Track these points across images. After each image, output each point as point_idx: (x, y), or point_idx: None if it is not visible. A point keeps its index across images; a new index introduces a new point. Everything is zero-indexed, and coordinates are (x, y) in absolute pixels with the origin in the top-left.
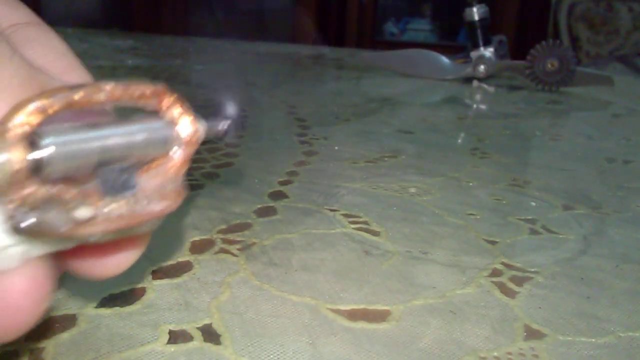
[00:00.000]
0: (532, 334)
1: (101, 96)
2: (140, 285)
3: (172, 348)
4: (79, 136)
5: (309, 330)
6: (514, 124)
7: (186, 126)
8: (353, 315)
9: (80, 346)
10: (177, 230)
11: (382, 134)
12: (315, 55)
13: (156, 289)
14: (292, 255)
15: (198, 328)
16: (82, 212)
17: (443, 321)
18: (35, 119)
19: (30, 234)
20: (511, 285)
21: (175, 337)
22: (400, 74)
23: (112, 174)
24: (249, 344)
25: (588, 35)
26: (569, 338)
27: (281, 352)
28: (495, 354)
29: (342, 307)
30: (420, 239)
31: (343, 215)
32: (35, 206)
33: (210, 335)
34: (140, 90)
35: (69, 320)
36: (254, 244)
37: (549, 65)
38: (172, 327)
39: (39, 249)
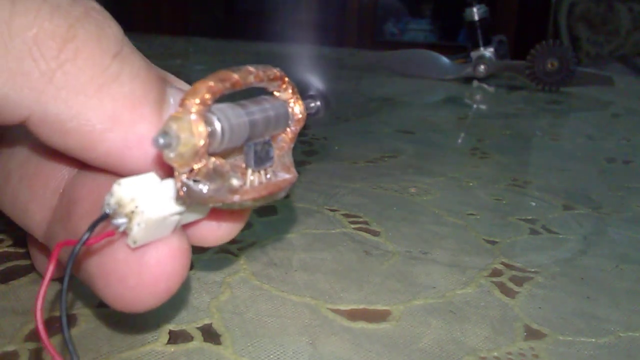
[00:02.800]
0: (532, 334)
1: (251, 78)
2: None
3: (172, 348)
4: (237, 113)
5: (309, 330)
6: (514, 124)
7: (298, 106)
8: (353, 315)
9: (80, 346)
10: None
11: (382, 134)
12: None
13: None
14: (292, 255)
15: (198, 328)
16: (236, 182)
17: (443, 321)
18: (210, 99)
19: (198, 201)
20: (511, 285)
21: (175, 337)
22: (400, 74)
23: (258, 147)
24: (249, 344)
25: (588, 35)
26: (569, 338)
27: (281, 352)
28: (495, 354)
29: (342, 307)
30: (420, 239)
31: (343, 215)
32: (205, 177)
33: (210, 335)
34: (274, 73)
35: (69, 320)
36: (254, 243)
37: (549, 65)
38: (172, 327)
39: (188, 217)
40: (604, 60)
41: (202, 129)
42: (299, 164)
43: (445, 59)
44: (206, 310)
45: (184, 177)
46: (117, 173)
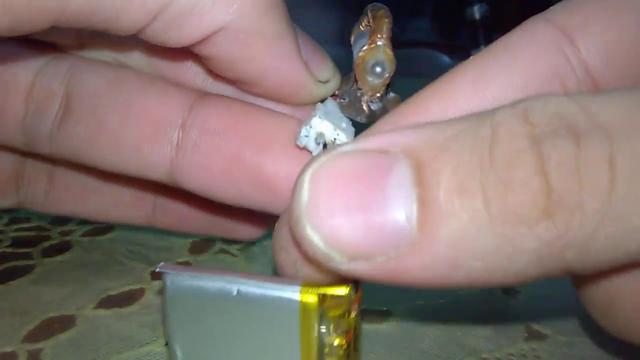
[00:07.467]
0: (533, 335)
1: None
2: (139, 286)
3: None
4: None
5: None
6: None
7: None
8: None
9: (79, 347)
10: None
11: None
12: None
13: (155, 290)
14: None
15: None
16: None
17: (444, 322)
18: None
19: (372, 118)
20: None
21: None
22: (400, 74)
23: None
24: None
25: None
26: (570, 338)
27: None
28: (497, 354)
29: None
30: None
31: None
32: (378, 99)
33: None
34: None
35: (68, 321)
36: (253, 244)
37: None
38: None
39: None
40: None
41: (393, 59)
42: None
43: (445, 58)
44: None
45: (369, 98)
46: (265, 94)
